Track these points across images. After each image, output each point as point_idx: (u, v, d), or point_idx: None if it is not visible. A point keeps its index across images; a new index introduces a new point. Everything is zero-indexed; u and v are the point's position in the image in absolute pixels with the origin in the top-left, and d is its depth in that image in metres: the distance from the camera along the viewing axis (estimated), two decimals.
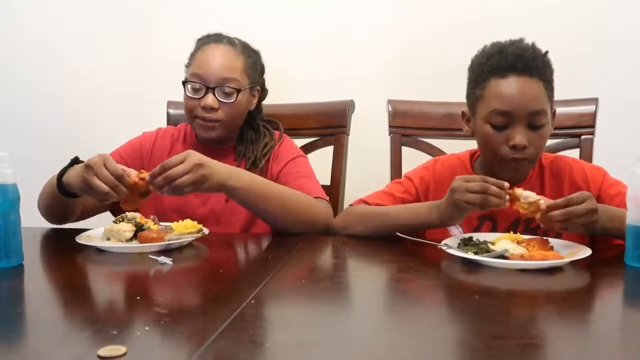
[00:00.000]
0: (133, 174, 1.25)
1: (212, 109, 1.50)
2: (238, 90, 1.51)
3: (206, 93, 1.50)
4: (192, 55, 1.57)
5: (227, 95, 1.51)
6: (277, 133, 1.64)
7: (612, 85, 1.89)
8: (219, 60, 1.52)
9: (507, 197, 1.19)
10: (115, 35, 2.17)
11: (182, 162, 1.24)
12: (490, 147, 1.32)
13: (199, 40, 1.59)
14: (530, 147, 1.29)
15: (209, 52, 1.54)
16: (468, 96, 1.38)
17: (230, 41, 1.56)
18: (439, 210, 1.26)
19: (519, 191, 1.19)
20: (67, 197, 1.35)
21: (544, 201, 1.17)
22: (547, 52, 1.33)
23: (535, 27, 1.91)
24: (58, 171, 1.35)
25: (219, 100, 1.51)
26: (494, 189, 1.18)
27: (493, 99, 1.30)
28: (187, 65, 1.58)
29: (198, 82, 1.51)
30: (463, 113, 1.41)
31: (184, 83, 1.53)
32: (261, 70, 1.64)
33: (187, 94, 1.53)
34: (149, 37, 2.12)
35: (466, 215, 1.25)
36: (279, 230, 1.41)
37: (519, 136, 1.27)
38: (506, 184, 1.19)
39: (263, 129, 1.62)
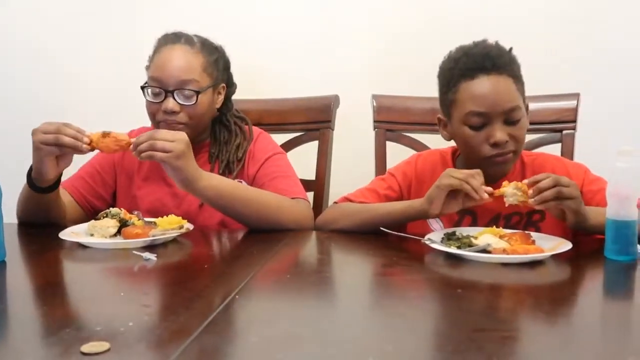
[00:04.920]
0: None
1: (173, 113, 1.48)
2: (198, 92, 1.49)
3: (166, 97, 1.48)
4: (151, 58, 1.55)
5: (187, 97, 1.48)
6: (248, 128, 1.62)
7: (594, 81, 1.91)
8: (176, 62, 1.48)
9: (489, 195, 1.21)
10: (103, 32, 2.15)
11: (172, 139, 1.27)
12: (471, 147, 1.33)
13: (158, 40, 1.55)
14: (511, 140, 1.31)
15: (165, 54, 1.50)
16: (442, 102, 1.40)
17: (188, 40, 1.53)
18: (424, 197, 1.28)
19: (504, 189, 1.21)
20: (41, 193, 1.36)
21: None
22: (511, 48, 1.35)
23: (516, 23, 1.94)
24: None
25: (179, 103, 1.48)
26: (474, 182, 1.21)
27: (467, 101, 1.31)
28: (147, 68, 1.55)
29: (157, 86, 1.49)
30: (439, 119, 1.43)
31: (143, 88, 1.51)
32: (225, 66, 1.60)
33: (147, 98, 1.51)
34: (141, 34, 2.08)
35: (449, 206, 1.24)
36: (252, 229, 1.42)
37: (499, 133, 1.29)
38: (489, 189, 1.21)
39: (235, 127, 1.61)
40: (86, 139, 1.28)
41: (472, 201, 1.23)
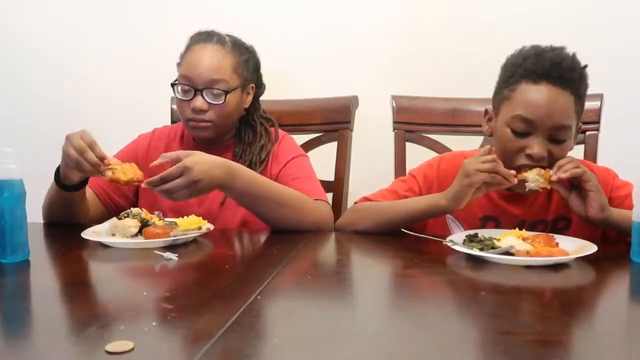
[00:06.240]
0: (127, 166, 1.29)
1: (201, 111, 1.49)
2: (227, 92, 1.50)
3: (195, 95, 1.49)
4: (182, 55, 1.56)
5: (216, 96, 1.50)
6: (273, 130, 1.63)
7: (618, 82, 1.89)
8: (206, 62, 1.50)
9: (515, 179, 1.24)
10: (117, 32, 2.18)
11: (180, 175, 1.23)
12: (506, 152, 1.29)
13: (191, 38, 1.57)
14: (548, 158, 1.26)
15: (197, 53, 1.52)
16: (495, 94, 1.36)
17: (220, 40, 1.54)
18: (446, 193, 1.28)
19: (527, 174, 1.24)
20: (67, 191, 1.37)
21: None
22: (586, 65, 1.29)
23: (538, 24, 1.92)
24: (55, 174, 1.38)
25: (208, 102, 1.50)
26: (503, 169, 1.22)
27: (519, 104, 1.27)
28: (178, 65, 1.57)
29: (186, 84, 1.50)
30: (486, 111, 1.39)
31: (173, 85, 1.53)
32: (255, 66, 1.61)
33: (177, 95, 1.53)
34: (154, 34, 2.12)
35: (471, 197, 1.24)
36: (272, 228, 1.42)
37: (538, 147, 1.25)
38: (513, 171, 1.23)
39: (260, 128, 1.61)
40: (103, 168, 1.27)
41: (496, 187, 1.24)
